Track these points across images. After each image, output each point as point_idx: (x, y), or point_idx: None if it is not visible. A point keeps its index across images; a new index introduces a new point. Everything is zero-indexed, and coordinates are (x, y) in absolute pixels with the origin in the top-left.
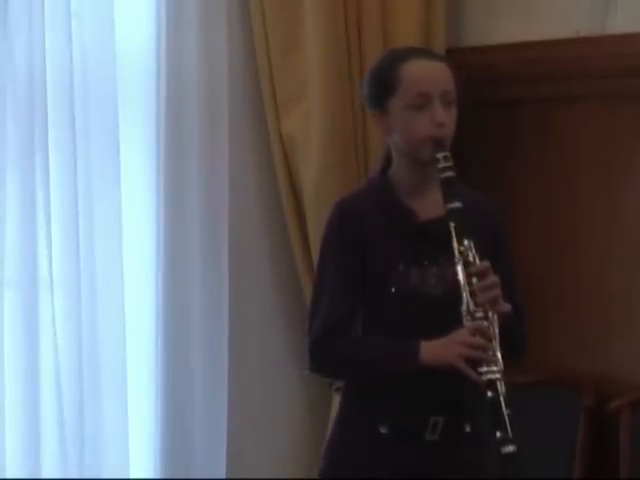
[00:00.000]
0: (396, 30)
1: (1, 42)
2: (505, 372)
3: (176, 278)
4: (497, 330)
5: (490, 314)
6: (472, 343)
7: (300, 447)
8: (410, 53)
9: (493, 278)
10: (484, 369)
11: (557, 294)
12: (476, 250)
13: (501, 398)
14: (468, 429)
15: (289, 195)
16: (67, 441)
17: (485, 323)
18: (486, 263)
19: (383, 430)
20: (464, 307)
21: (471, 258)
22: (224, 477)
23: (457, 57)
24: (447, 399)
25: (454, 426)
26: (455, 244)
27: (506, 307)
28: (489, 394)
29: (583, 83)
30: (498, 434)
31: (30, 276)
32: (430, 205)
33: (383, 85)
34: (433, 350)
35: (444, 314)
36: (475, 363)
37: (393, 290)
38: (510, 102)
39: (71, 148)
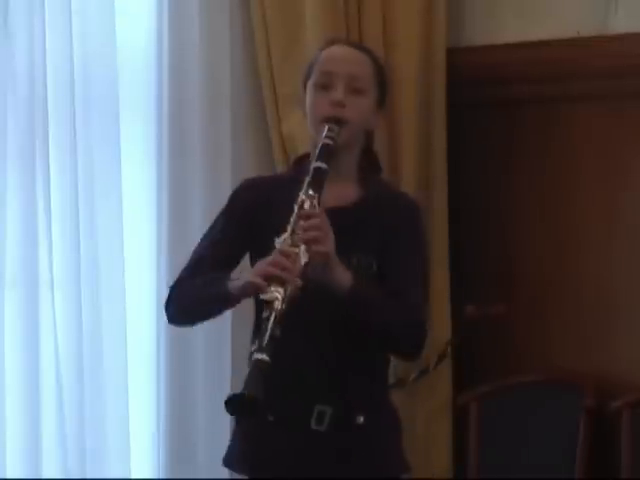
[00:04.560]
0: (397, 30)
1: (1, 42)
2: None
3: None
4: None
5: (301, 251)
6: (271, 261)
7: None
8: (335, 42)
9: (317, 221)
10: (274, 288)
11: (558, 294)
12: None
13: (272, 315)
14: (361, 420)
15: None
16: (67, 441)
17: (295, 250)
18: (318, 210)
19: (270, 417)
20: (279, 241)
21: (307, 206)
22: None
23: (458, 57)
24: (330, 389)
25: (344, 417)
26: (302, 192)
27: (324, 248)
28: (265, 311)
29: (584, 83)
30: (255, 343)
31: (30, 276)
32: (336, 194)
33: (307, 69)
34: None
35: (330, 300)
36: (270, 282)
37: None
38: (511, 102)
39: (72, 147)
